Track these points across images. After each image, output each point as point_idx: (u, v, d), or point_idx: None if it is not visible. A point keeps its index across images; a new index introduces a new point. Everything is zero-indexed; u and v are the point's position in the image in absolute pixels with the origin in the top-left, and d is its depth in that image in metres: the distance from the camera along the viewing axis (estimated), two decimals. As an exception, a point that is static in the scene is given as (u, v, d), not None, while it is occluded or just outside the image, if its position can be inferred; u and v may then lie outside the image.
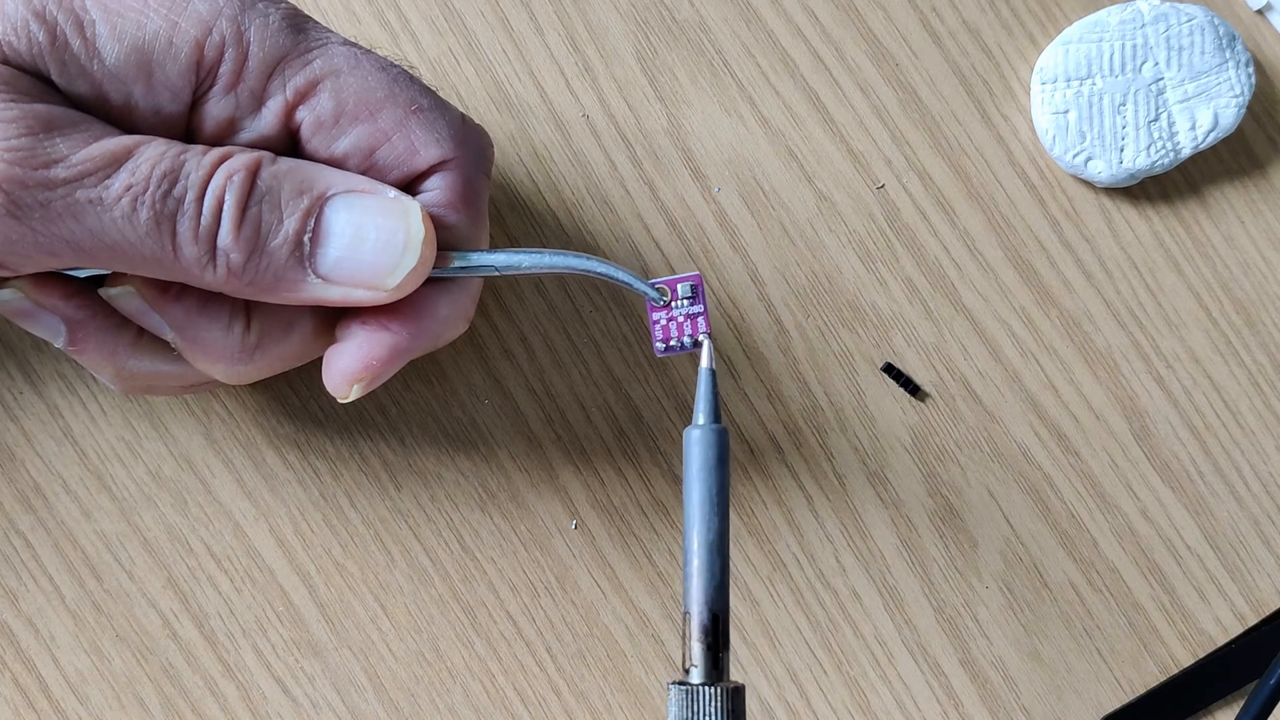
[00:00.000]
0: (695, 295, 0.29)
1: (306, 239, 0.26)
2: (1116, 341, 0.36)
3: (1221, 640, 0.35)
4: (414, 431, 0.34)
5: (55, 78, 0.25)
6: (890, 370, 0.35)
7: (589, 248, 0.35)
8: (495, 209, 0.35)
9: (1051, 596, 0.35)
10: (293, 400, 0.34)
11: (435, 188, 0.28)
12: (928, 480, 0.35)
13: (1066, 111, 0.35)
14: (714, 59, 0.35)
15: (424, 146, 0.27)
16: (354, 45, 0.27)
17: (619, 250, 0.35)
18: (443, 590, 0.34)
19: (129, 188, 0.25)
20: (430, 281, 0.28)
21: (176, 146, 0.25)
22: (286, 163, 0.26)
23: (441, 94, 0.35)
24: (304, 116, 0.27)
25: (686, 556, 0.26)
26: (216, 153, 0.26)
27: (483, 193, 0.29)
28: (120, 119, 0.26)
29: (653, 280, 0.29)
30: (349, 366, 0.28)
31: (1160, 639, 0.35)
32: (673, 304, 0.29)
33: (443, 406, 0.35)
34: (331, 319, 0.29)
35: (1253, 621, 0.35)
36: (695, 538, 0.26)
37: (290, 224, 0.26)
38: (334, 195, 0.26)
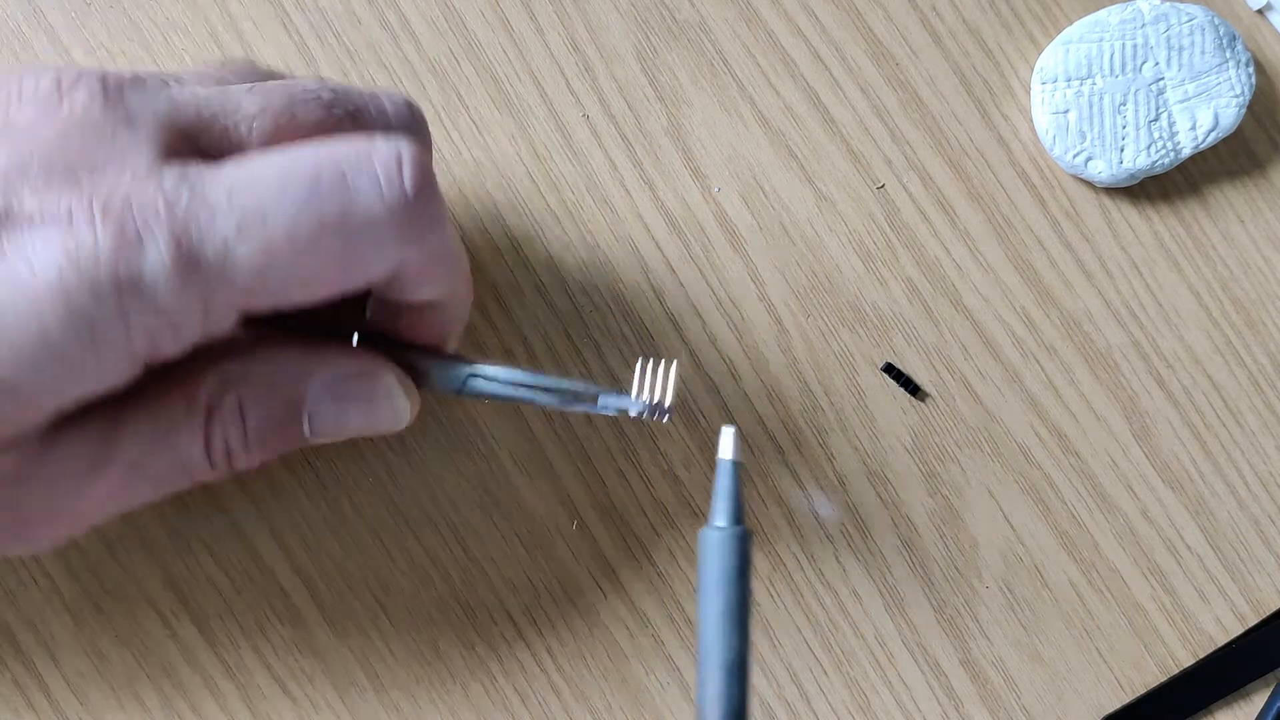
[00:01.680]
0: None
1: (305, 423, 0.28)
2: (1116, 341, 0.36)
3: (1221, 640, 0.35)
4: (414, 431, 0.34)
5: None
6: (890, 370, 0.35)
7: (589, 246, 0.35)
8: (496, 209, 0.35)
9: (1051, 596, 0.35)
10: (293, 400, 0.34)
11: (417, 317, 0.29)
12: (928, 480, 0.35)
13: (1066, 111, 0.35)
14: (714, 59, 0.35)
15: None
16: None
17: (619, 250, 0.35)
18: (443, 590, 0.34)
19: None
20: (419, 306, 0.28)
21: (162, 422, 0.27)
22: (258, 372, 0.27)
23: (441, 95, 0.35)
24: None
25: (701, 678, 0.23)
26: (201, 411, 0.27)
27: (448, 275, 0.28)
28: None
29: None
30: None
31: (1160, 639, 0.35)
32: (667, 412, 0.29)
33: (443, 407, 0.35)
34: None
35: (1253, 621, 0.35)
36: (712, 658, 0.23)
37: (279, 421, 0.28)
38: (311, 394, 0.28)
